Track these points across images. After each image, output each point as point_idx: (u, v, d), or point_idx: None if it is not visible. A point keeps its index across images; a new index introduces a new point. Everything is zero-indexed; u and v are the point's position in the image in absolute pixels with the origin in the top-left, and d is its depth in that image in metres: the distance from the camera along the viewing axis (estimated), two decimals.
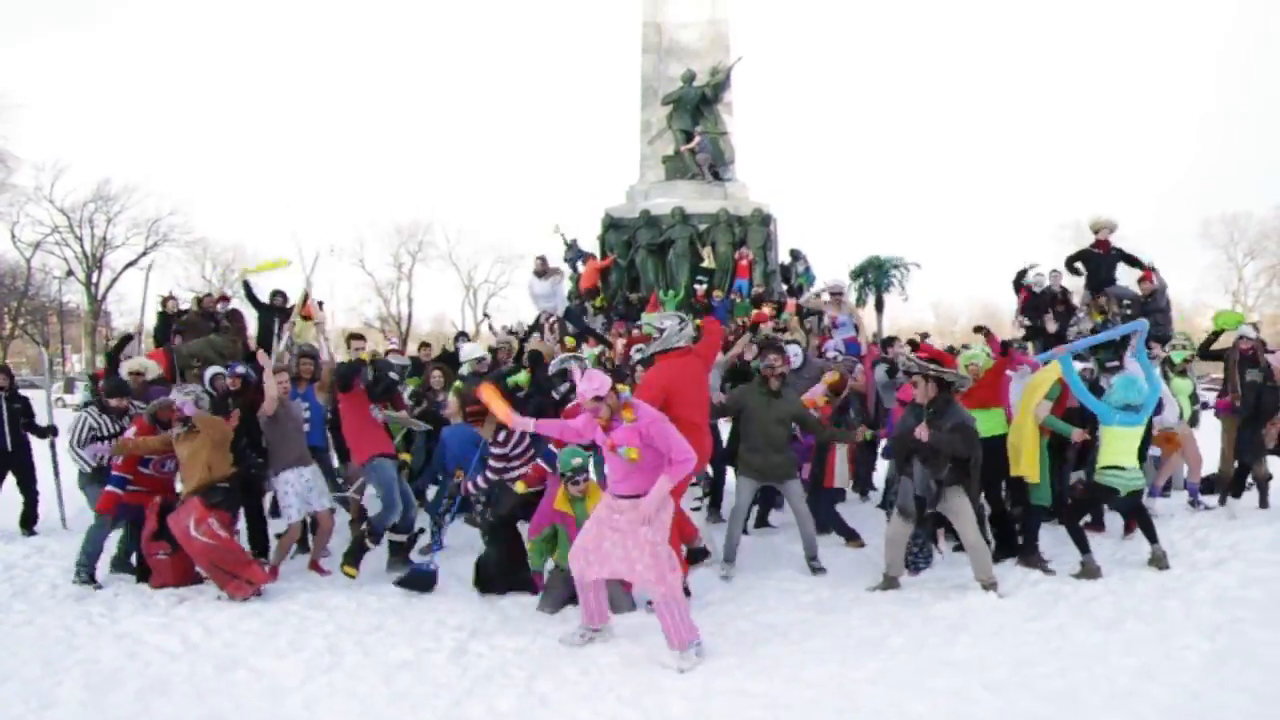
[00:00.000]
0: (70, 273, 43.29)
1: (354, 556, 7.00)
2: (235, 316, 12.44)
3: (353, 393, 7.25)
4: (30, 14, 71.41)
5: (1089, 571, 6.79)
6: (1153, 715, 4.47)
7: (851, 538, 8.14)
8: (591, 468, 6.36)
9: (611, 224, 17.00)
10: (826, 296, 11.76)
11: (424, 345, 11.72)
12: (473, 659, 5.39)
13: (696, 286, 15.73)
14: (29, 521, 9.01)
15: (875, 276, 14.20)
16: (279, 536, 7.38)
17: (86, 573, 6.98)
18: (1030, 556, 7.20)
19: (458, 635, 5.77)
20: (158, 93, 74.68)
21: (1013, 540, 7.44)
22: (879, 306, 12.83)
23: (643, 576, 5.23)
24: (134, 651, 5.59)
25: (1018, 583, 6.73)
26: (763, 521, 8.99)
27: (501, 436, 6.86)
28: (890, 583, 6.69)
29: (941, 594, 6.48)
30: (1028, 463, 7.45)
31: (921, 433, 6.38)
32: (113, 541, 7.41)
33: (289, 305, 11.97)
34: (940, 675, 5.00)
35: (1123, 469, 6.89)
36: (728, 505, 8.61)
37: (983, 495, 7.07)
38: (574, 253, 17.19)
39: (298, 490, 7.17)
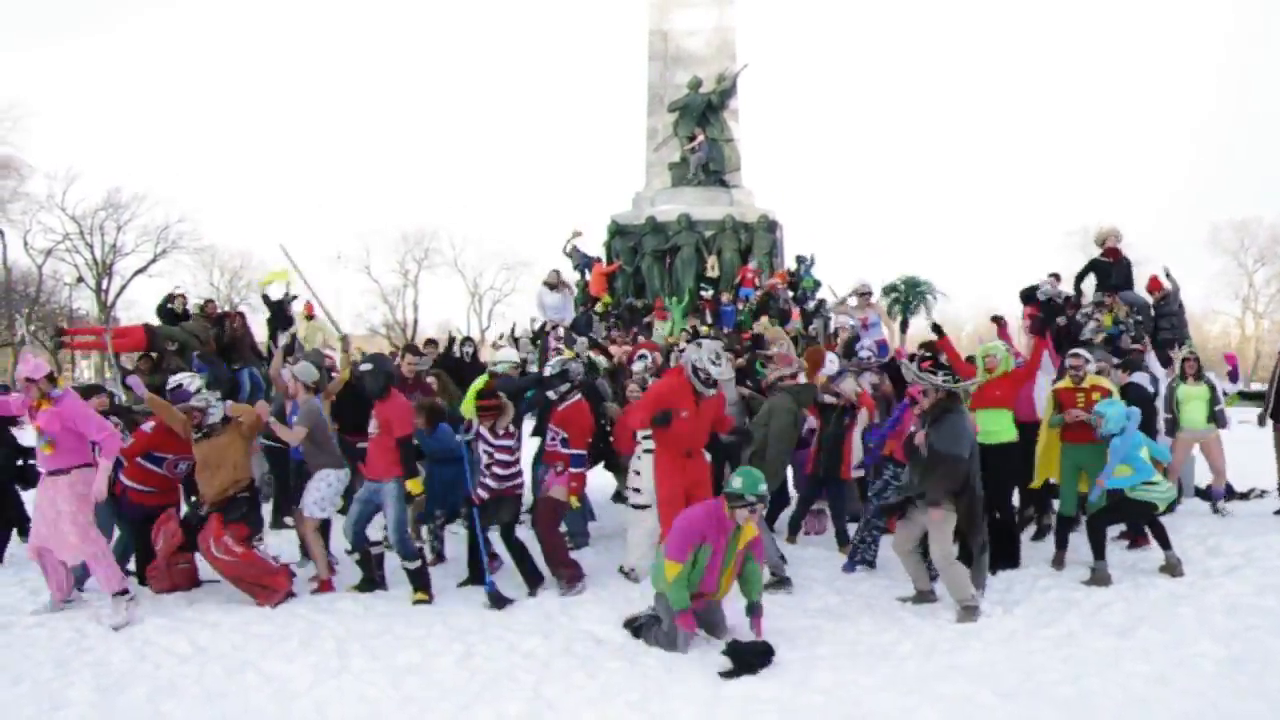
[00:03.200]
0: (80, 279, 43.49)
1: (419, 582, 6.77)
2: (238, 319, 12.50)
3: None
4: (42, 23, 71.99)
5: (1099, 579, 6.76)
6: None
7: (845, 543, 8.02)
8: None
9: (617, 230, 17.06)
10: (854, 300, 11.71)
11: (429, 342, 11.67)
12: (480, 663, 5.38)
13: (702, 294, 15.76)
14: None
15: (907, 294, 14.16)
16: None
17: (76, 586, 6.88)
18: (1060, 554, 7.27)
19: (465, 639, 5.75)
20: (168, 101, 75.17)
21: (1014, 552, 7.36)
22: (903, 326, 12.83)
23: (71, 544, 6.24)
24: (144, 654, 5.60)
25: (1028, 590, 6.71)
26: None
27: (501, 431, 6.85)
28: (924, 596, 6.51)
29: (952, 601, 6.43)
30: (1044, 466, 7.41)
31: (919, 438, 6.28)
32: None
33: (291, 307, 12.03)
34: (950, 681, 4.97)
35: (1156, 483, 6.87)
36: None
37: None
38: (580, 259, 17.24)
39: (327, 492, 7.08)
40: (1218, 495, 9.16)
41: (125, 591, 6.28)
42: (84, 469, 6.31)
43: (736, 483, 5.62)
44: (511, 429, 6.97)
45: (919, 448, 6.28)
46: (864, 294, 11.61)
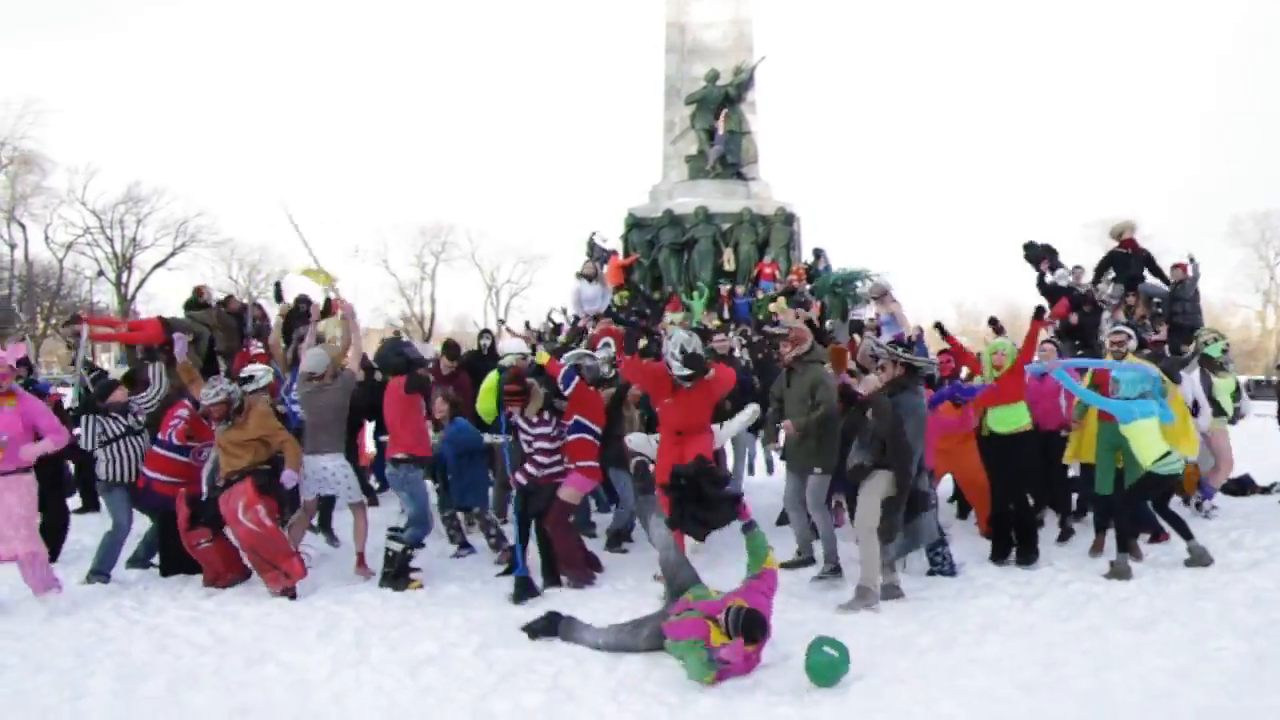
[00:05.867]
0: (101, 273, 43.95)
1: (402, 576, 6.85)
2: (258, 310, 12.59)
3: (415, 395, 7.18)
4: (62, 19, 72.54)
5: (1119, 572, 6.69)
6: (1190, 717, 4.39)
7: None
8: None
9: (635, 223, 17.01)
10: (869, 303, 11.66)
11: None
12: (498, 654, 5.38)
13: (721, 288, 15.69)
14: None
15: (845, 291, 14.25)
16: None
17: (100, 578, 7.04)
18: (1100, 538, 7.24)
19: (483, 631, 5.77)
20: (186, 96, 75.60)
21: (1032, 545, 7.26)
22: (844, 318, 13.02)
23: (15, 546, 6.26)
24: (164, 644, 5.64)
25: (1047, 583, 6.66)
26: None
27: (535, 418, 6.89)
28: (890, 591, 6.33)
29: (971, 594, 6.40)
30: (1085, 445, 7.46)
31: (864, 387, 6.22)
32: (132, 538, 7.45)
33: (311, 308, 12.06)
34: (970, 674, 4.94)
35: (1169, 454, 6.65)
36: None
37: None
38: (598, 253, 17.22)
39: (308, 473, 7.11)
40: (1209, 492, 8.90)
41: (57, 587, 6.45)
42: (29, 470, 6.41)
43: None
44: (547, 415, 6.96)
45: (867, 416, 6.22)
46: (878, 296, 11.52)
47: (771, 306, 12.60)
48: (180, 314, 11.36)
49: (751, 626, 4.95)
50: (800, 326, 7.58)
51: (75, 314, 9.10)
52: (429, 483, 7.76)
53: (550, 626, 5.67)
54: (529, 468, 6.89)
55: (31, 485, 6.43)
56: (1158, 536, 7.63)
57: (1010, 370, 7.43)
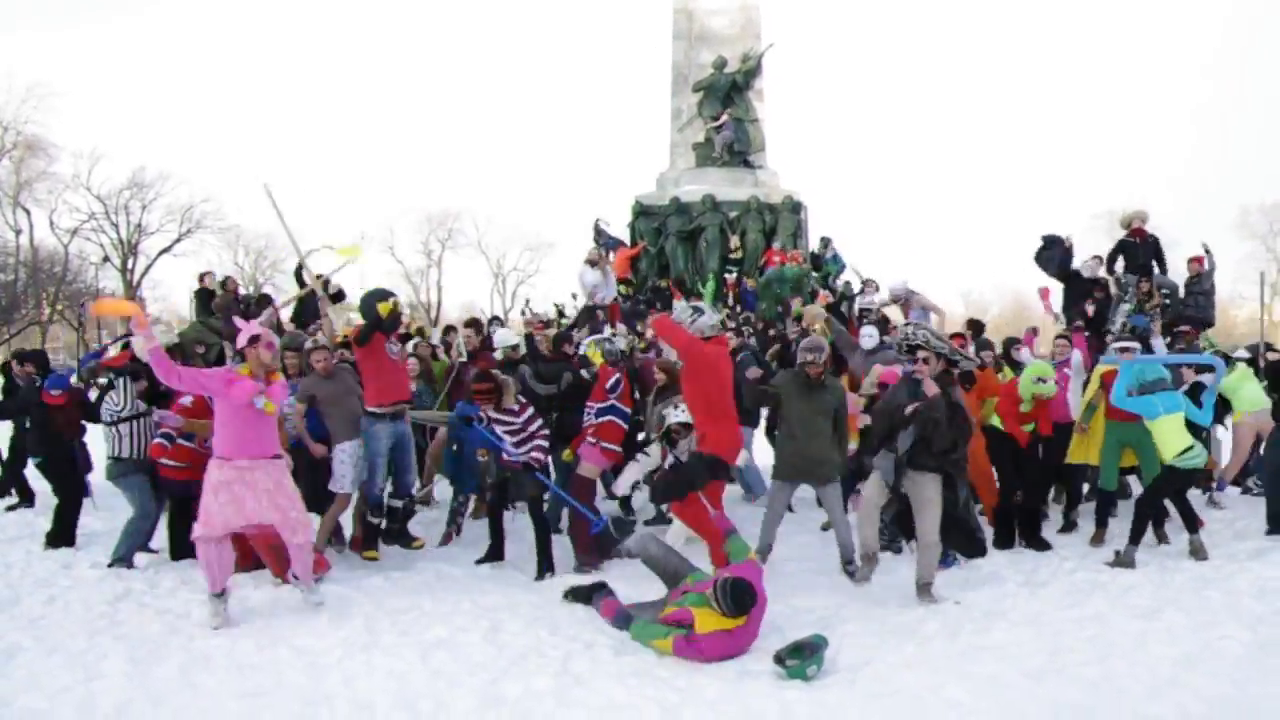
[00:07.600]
0: (106, 259, 43.92)
1: (370, 540, 7.00)
2: (264, 300, 12.66)
3: (370, 345, 7.08)
4: (67, 3, 72.36)
5: (1124, 562, 6.72)
6: (1196, 706, 4.41)
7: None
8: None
9: (642, 211, 17.04)
10: (881, 298, 11.64)
11: (450, 329, 11.73)
12: (508, 639, 5.43)
13: (726, 276, 15.70)
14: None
15: (780, 290, 14.30)
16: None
17: (125, 564, 7.06)
18: (1100, 531, 7.38)
19: (492, 616, 5.80)
20: (191, 81, 75.41)
21: (1038, 534, 7.40)
22: (782, 316, 13.20)
23: (294, 522, 5.89)
24: (176, 627, 5.68)
25: (1054, 571, 6.69)
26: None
27: (514, 407, 6.95)
28: (869, 561, 6.48)
29: (977, 582, 6.43)
30: (1091, 447, 7.52)
31: (910, 408, 6.05)
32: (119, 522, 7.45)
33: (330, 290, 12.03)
34: (977, 661, 4.96)
35: (1193, 448, 6.69)
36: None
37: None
38: (606, 240, 17.26)
39: (354, 461, 7.06)
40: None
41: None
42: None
43: None
44: (515, 406, 6.98)
45: (926, 412, 6.05)
46: (898, 300, 11.51)
47: (794, 305, 12.61)
48: (187, 302, 11.44)
49: (740, 595, 5.04)
50: (817, 336, 7.47)
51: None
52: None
53: (588, 595, 5.85)
54: (507, 454, 6.93)
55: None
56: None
57: (1042, 403, 7.43)
